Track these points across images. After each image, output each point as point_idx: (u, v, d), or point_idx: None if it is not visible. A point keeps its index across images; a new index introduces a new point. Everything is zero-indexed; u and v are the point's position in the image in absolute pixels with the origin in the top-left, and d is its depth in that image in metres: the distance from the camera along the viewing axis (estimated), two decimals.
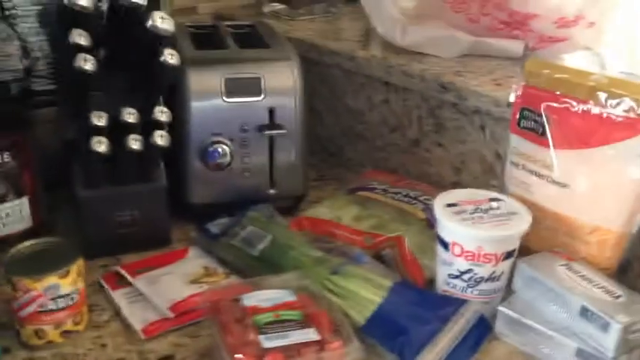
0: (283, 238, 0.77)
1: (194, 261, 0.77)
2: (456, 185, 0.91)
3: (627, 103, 0.67)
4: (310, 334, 0.59)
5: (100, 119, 0.67)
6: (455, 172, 0.94)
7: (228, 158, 0.84)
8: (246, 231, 0.79)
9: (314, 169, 1.06)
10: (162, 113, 0.71)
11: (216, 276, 0.75)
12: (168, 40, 0.67)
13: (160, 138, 0.71)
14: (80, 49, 0.63)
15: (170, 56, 0.66)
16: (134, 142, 0.69)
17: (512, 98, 0.78)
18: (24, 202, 0.78)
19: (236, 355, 0.57)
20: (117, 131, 0.70)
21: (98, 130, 0.68)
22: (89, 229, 0.77)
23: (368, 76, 1.00)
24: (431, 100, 0.93)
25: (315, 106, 1.11)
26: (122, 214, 0.77)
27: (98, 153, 0.68)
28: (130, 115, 0.69)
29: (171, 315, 0.67)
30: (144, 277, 0.73)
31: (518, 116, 0.77)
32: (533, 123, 0.75)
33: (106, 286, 0.73)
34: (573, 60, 0.95)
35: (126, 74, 0.72)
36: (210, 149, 0.83)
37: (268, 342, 0.58)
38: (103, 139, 0.68)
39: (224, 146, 0.84)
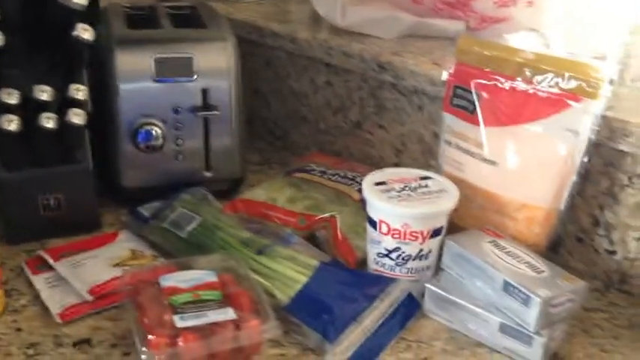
0: (212, 220, 0.75)
1: (122, 244, 0.76)
2: (397, 166, 0.90)
3: (552, 78, 0.67)
4: (227, 314, 0.58)
5: (9, 96, 0.65)
6: (396, 154, 0.93)
7: (160, 140, 0.82)
8: (176, 213, 0.78)
9: (259, 152, 1.04)
10: (77, 91, 0.68)
11: (142, 259, 0.73)
12: (82, 14, 0.65)
13: (76, 117, 0.69)
14: None
15: (83, 31, 0.64)
16: (47, 121, 0.67)
17: (444, 76, 0.78)
18: None
19: (149, 337, 0.55)
20: (32, 110, 0.67)
21: (8, 108, 0.65)
22: (11, 213, 0.74)
23: (310, 57, 0.98)
24: (371, 80, 0.92)
25: (261, 88, 1.09)
26: (46, 197, 0.75)
27: (9, 132, 0.65)
28: (42, 93, 0.66)
29: (89, 298, 0.65)
30: (66, 261, 0.71)
31: (450, 94, 0.76)
32: (464, 101, 0.75)
33: (26, 270, 0.70)
34: (516, 41, 0.94)
35: (43, 51, 0.69)
36: (141, 131, 0.81)
37: (182, 322, 0.57)
38: (13, 117, 0.65)
39: (155, 128, 0.82)
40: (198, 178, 0.86)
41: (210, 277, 0.63)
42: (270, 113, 1.10)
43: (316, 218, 0.77)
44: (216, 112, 0.83)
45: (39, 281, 0.69)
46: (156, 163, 0.84)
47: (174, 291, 0.60)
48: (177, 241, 0.74)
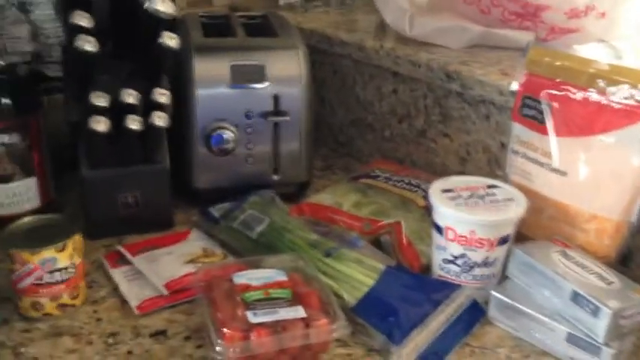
0: (281, 222, 0.78)
1: (194, 242, 0.79)
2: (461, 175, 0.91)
3: (627, 90, 0.66)
4: (298, 312, 0.60)
5: (99, 99, 0.69)
6: (460, 162, 0.93)
7: (232, 144, 0.85)
8: (246, 214, 0.80)
9: (323, 158, 1.07)
10: (161, 95, 0.72)
11: (213, 257, 0.76)
12: (169, 23, 0.68)
13: (159, 119, 0.72)
14: (81, 30, 0.65)
15: (169, 39, 0.68)
16: (133, 122, 0.71)
17: (514, 86, 0.78)
18: (32, 182, 0.80)
19: (224, 329, 0.58)
20: (119, 112, 0.71)
21: (98, 110, 0.69)
22: (93, 209, 0.79)
23: (377, 66, 1.00)
24: (437, 89, 0.93)
25: (327, 96, 1.12)
26: (125, 195, 0.79)
27: (98, 132, 0.70)
28: (129, 96, 0.70)
29: (165, 292, 0.69)
30: (143, 257, 0.75)
31: (520, 104, 0.77)
32: (534, 111, 0.75)
33: (105, 263, 0.74)
34: (587, 52, 0.93)
35: (129, 57, 0.73)
36: (215, 135, 0.85)
37: (255, 317, 0.59)
38: (103, 119, 0.70)
39: (228, 132, 0.85)
40: (266, 181, 0.88)
41: (281, 276, 0.65)
42: (335, 120, 1.12)
43: (381, 223, 0.78)
44: (286, 118, 0.86)
45: (117, 275, 0.72)
46: (227, 166, 0.87)
47: (246, 288, 0.63)
48: (247, 241, 0.77)
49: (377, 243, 0.78)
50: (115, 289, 0.71)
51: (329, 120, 1.12)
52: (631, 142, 0.67)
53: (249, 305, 0.61)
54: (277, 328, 0.58)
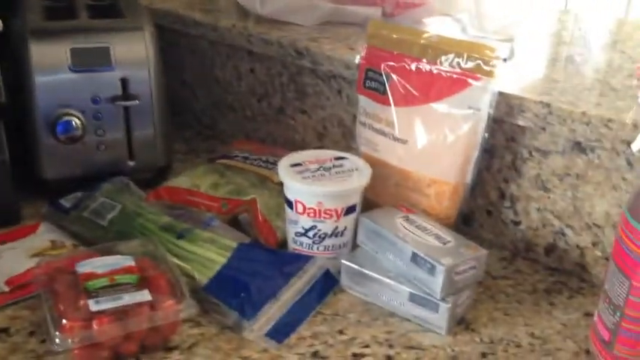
0: (133, 207, 0.76)
1: (42, 236, 0.76)
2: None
3: (454, 59, 0.70)
4: (143, 296, 0.59)
5: None
6: (318, 138, 0.95)
7: (79, 131, 0.82)
8: (98, 202, 0.78)
9: (187, 142, 1.05)
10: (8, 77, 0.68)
11: (62, 249, 0.73)
12: None
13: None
14: None
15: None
16: None
17: (357, 60, 0.80)
18: None
19: (62, 321, 0.56)
20: None
21: None
22: None
23: (233, 46, 1.00)
24: (291, 67, 0.94)
25: (187, 79, 1.10)
26: None
27: None
28: None
29: (6, 289, 0.65)
30: None
31: (363, 77, 0.79)
32: (376, 83, 0.77)
33: None
34: (434, 25, 0.98)
35: None
36: (60, 122, 0.81)
37: (97, 305, 0.58)
38: None
39: (74, 119, 0.82)
40: (121, 168, 0.86)
41: (128, 262, 0.64)
42: (197, 102, 1.10)
43: (237, 202, 0.78)
44: (135, 102, 0.84)
45: None
46: (77, 154, 0.84)
47: (91, 276, 0.61)
48: (98, 230, 0.75)
49: (235, 222, 0.78)
50: None
51: (191, 102, 1.11)
52: (460, 108, 0.71)
53: (91, 294, 0.59)
54: (121, 313, 0.57)
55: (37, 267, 0.64)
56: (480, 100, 0.69)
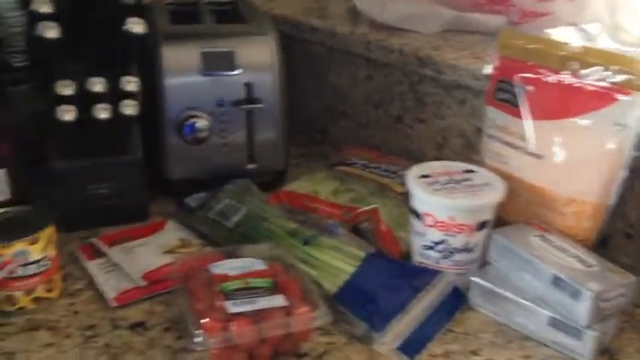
0: (258, 210, 0.77)
1: (171, 233, 0.77)
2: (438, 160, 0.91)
3: (600, 72, 0.67)
4: (278, 301, 0.59)
5: (65, 88, 0.67)
6: (436, 148, 0.93)
7: (205, 133, 0.84)
8: (222, 204, 0.79)
9: (298, 146, 1.05)
10: (129, 83, 0.70)
11: (191, 247, 0.75)
12: (134, 9, 0.66)
13: (129, 108, 0.71)
14: (42, 16, 0.63)
15: (135, 25, 0.66)
16: (102, 112, 0.69)
17: (487, 70, 0.78)
18: (2, 174, 0.78)
19: (202, 320, 0.57)
20: (86, 101, 0.69)
21: (65, 99, 0.67)
22: (64, 201, 0.76)
23: (350, 52, 0.99)
24: (411, 75, 0.93)
25: (300, 84, 1.10)
26: (96, 187, 0.77)
27: (65, 122, 0.68)
28: (97, 85, 0.68)
29: (143, 283, 0.67)
30: (119, 248, 0.73)
31: (494, 88, 0.77)
32: (508, 94, 0.75)
33: (81, 256, 0.73)
34: (559, 35, 0.94)
35: (94, 44, 0.71)
36: (187, 124, 0.83)
37: (235, 307, 0.58)
38: (70, 108, 0.68)
39: (201, 121, 0.83)
40: (241, 171, 0.87)
41: (260, 266, 0.64)
42: (308, 108, 1.11)
43: (359, 211, 0.78)
44: (259, 105, 0.85)
45: (93, 267, 0.71)
46: (201, 156, 0.85)
47: (225, 278, 0.62)
48: (224, 231, 0.76)
49: (356, 231, 0.77)
50: (91, 282, 0.69)
51: (303, 108, 1.11)
52: (605, 124, 0.67)
53: (227, 295, 0.60)
54: (257, 317, 0.58)
55: (173, 264, 0.65)
56: (629, 116, 0.66)
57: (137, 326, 0.64)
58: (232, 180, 0.85)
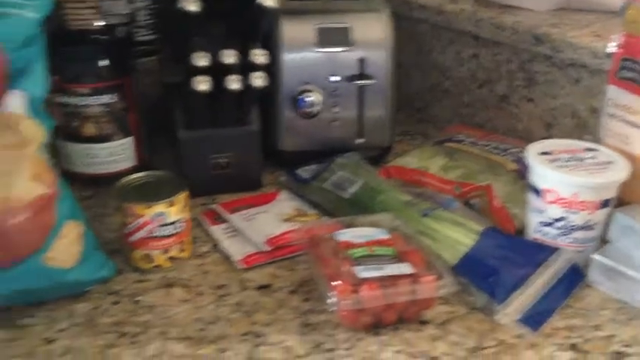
0: (373, 183, 0.79)
1: (285, 203, 0.80)
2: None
3: None
4: (404, 268, 0.61)
5: (201, 60, 0.70)
6: (545, 128, 0.92)
7: (318, 107, 0.86)
8: (337, 176, 0.81)
9: (400, 124, 1.06)
10: (260, 56, 0.73)
11: (307, 216, 0.77)
12: None
13: (258, 79, 0.73)
14: None
15: None
16: (234, 82, 0.72)
17: (611, 48, 0.76)
18: (129, 142, 0.82)
19: (334, 283, 0.59)
20: (217, 74, 0.73)
21: (200, 71, 0.71)
22: (188, 169, 0.80)
23: (457, 30, 0.99)
24: (522, 53, 0.92)
25: (402, 62, 1.11)
26: (219, 156, 0.81)
27: (200, 92, 0.71)
28: (229, 57, 0.72)
29: (267, 248, 0.70)
30: (239, 215, 0.77)
31: (617, 67, 0.75)
32: (633, 73, 0.73)
33: (205, 221, 0.76)
34: None
35: (224, 19, 0.74)
36: (301, 98, 0.85)
37: (364, 272, 0.60)
38: (206, 78, 0.71)
39: (315, 95, 0.86)
40: (350, 145, 0.89)
41: (382, 235, 0.66)
42: (410, 86, 1.11)
43: (471, 186, 0.78)
44: (372, 81, 0.86)
45: (217, 231, 0.75)
46: (312, 129, 0.88)
47: (350, 245, 0.64)
48: (339, 202, 0.78)
49: (466, 206, 0.78)
50: (216, 245, 0.73)
51: (405, 85, 1.12)
52: None
53: (355, 261, 0.62)
54: (385, 283, 0.60)
55: (298, 231, 0.68)
56: None
57: (264, 288, 0.67)
58: (342, 153, 0.87)
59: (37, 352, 0.57)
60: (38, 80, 0.58)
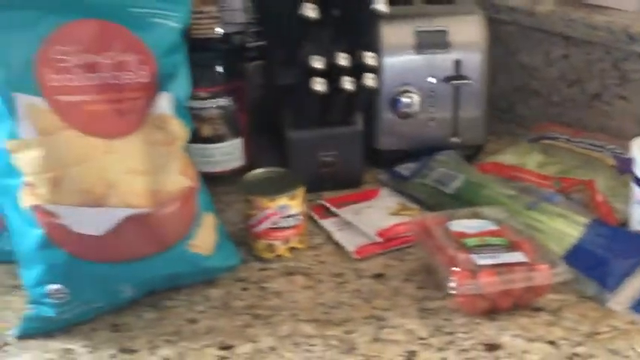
0: (475, 178, 0.82)
1: (387, 198, 0.84)
2: None
3: None
4: (518, 257, 0.64)
5: (318, 62, 0.75)
6: (639, 125, 0.93)
7: (415, 107, 0.90)
8: (437, 172, 0.85)
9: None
10: (371, 58, 0.78)
11: (411, 210, 0.81)
12: None
13: (371, 80, 0.78)
14: None
15: (380, 4, 0.73)
16: (348, 83, 0.77)
17: None
18: (239, 142, 0.88)
19: (454, 269, 0.63)
20: (330, 75, 0.77)
21: (316, 73, 0.76)
22: (297, 167, 0.85)
23: (546, 31, 1.01)
24: (616, 52, 0.93)
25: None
26: (324, 155, 0.85)
27: (315, 93, 0.76)
28: (343, 59, 0.76)
29: (379, 240, 0.74)
30: (347, 209, 0.81)
31: None
32: None
33: (314, 215, 0.81)
34: None
35: (334, 23, 0.79)
36: (399, 98, 0.89)
37: (481, 260, 0.64)
38: (322, 80, 0.76)
39: (412, 96, 0.89)
40: (445, 144, 0.93)
41: (492, 226, 0.69)
42: (495, 87, 1.14)
43: (572, 181, 0.81)
44: (469, 82, 0.89)
45: (328, 224, 0.79)
46: (410, 129, 0.92)
47: (463, 235, 0.67)
48: (443, 197, 0.82)
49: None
50: (329, 237, 0.77)
51: (489, 87, 1.14)
52: None
53: (470, 250, 0.65)
54: (502, 270, 0.63)
55: (411, 223, 0.72)
56: None
57: (379, 276, 0.71)
58: (439, 152, 0.90)
59: (182, 330, 0.63)
60: (182, 84, 0.65)
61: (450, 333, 0.62)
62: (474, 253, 0.65)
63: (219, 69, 0.84)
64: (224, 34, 0.83)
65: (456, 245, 0.66)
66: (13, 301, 0.66)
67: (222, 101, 0.85)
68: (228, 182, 0.84)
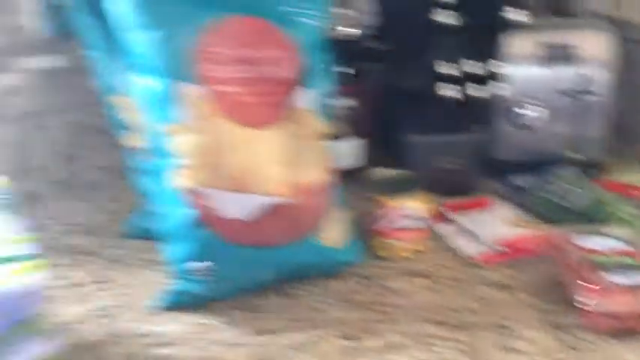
0: (599, 195, 0.81)
1: (503, 208, 0.84)
2: None
3: None
4: None
5: (450, 68, 0.76)
6: None
7: (536, 120, 0.89)
8: (559, 187, 0.84)
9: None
10: (499, 66, 0.78)
11: (529, 222, 0.80)
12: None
13: (501, 89, 0.78)
14: (444, 5, 0.72)
15: (515, 13, 0.73)
16: (474, 91, 0.77)
17: None
18: (360, 142, 0.90)
19: (586, 285, 0.62)
20: (458, 81, 0.78)
21: (444, 78, 0.77)
22: (413, 171, 0.86)
23: None
24: None
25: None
26: (443, 160, 0.86)
27: (441, 99, 0.77)
28: (473, 67, 0.77)
29: (500, 248, 0.74)
30: (464, 216, 0.81)
31: None
32: None
33: (432, 220, 0.82)
34: None
35: (464, 30, 0.80)
36: (521, 110, 0.89)
37: (614, 278, 0.62)
38: (449, 86, 0.77)
39: (534, 108, 0.89)
40: (562, 158, 0.91)
41: (625, 246, 0.68)
42: (617, 105, 1.11)
43: None
44: (595, 98, 0.88)
45: (444, 229, 0.80)
46: (529, 141, 0.91)
47: (595, 252, 0.66)
48: (563, 211, 0.81)
49: None
50: (443, 241, 0.78)
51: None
52: None
53: (602, 267, 0.64)
54: (636, 291, 0.62)
55: (539, 236, 0.71)
56: None
57: (501, 285, 0.71)
58: (560, 166, 0.89)
59: (308, 317, 0.65)
60: (324, 80, 0.67)
61: (579, 349, 0.62)
62: (607, 271, 0.64)
63: (349, 70, 0.86)
64: (359, 35, 0.85)
65: (588, 262, 0.65)
66: (152, 275, 0.70)
67: (349, 101, 0.87)
68: (346, 180, 0.85)
